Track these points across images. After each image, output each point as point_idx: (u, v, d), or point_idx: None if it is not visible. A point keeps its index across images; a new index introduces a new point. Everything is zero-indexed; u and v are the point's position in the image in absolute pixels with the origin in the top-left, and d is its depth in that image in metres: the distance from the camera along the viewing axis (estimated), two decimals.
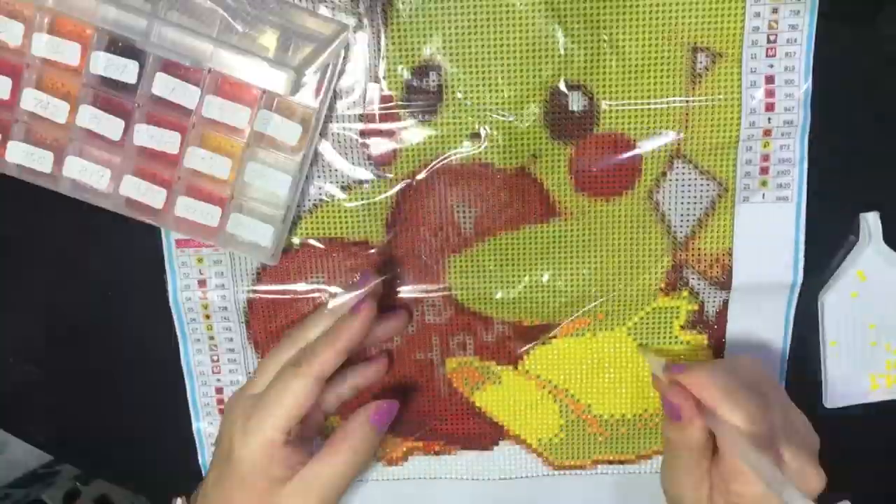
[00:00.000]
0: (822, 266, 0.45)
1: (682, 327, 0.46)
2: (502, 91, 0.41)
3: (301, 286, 0.45)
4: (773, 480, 0.33)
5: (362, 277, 0.43)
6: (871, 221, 0.43)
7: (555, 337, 0.46)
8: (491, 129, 0.42)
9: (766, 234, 0.44)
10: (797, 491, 0.32)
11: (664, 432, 0.41)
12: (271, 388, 0.40)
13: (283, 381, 0.40)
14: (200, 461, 0.50)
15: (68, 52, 0.38)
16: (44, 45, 0.38)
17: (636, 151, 0.42)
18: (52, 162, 0.40)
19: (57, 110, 0.39)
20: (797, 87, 0.41)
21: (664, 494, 0.43)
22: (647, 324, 0.46)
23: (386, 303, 0.45)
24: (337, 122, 0.42)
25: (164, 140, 0.40)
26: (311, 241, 0.45)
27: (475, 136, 0.43)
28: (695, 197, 0.43)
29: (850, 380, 0.46)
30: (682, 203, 0.44)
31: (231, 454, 0.40)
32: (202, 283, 0.46)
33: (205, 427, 0.49)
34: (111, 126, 0.40)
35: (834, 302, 0.45)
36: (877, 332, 0.45)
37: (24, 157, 0.40)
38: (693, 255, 0.44)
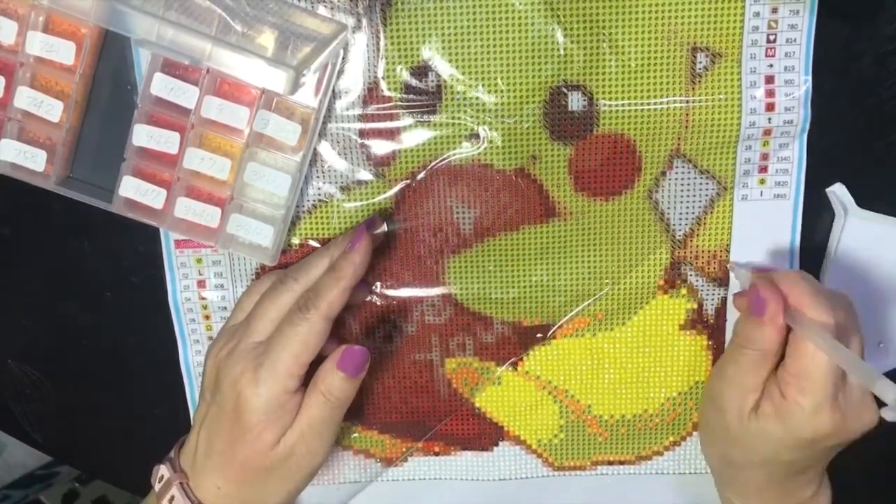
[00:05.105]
0: (821, 265, 0.45)
1: (682, 327, 0.46)
2: (502, 92, 0.41)
3: None
4: (864, 373, 0.34)
5: (367, 220, 0.43)
6: (839, 193, 0.43)
7: (554, 337, 0.46)
8: (490, 129, 0.42)
9: (764, 232, 0.44)
10: (889, 381, 0.32)
11: (737, 329, 0.41)
12: (280, 335, 0.39)
13: (291, 325, 0.39)
14: None
15: (63, 51, 0.38)
16: (38, 44, 0.38)
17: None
18: (45, 160, 0.40)
19: (51, 109, 0.39)
20: (797, 86, 0.41)
21: (705, 397, 0.44)
22: (647, 323, 0.46)
23: (386, 304, 0.45)
24: (336, 122, 0.42)
25: (163, 140, 0.40)
26: (311, 242, 0.45)
27: (474, 136, 0.42)
28: (694, 195, 0.43)
29: (872, 352, 0.46)
30: (681, 202, 0.44)
31: (239, 406, 0.39)
32: (201, 283, 0.46)
33: None
34: None
35: (839, 282, 0.45)
36: (884, 294, 0.45)
37: (17, 155, 0.40)
38: (691, 252, 0.44)
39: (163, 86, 0.38)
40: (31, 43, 0.38)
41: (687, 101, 0.41)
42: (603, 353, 0.47)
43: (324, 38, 0.38)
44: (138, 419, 0.50)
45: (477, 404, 0.48)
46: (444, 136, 0.42)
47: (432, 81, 0.42)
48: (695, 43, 0.41)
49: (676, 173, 0.43)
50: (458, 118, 0.42)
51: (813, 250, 0.44)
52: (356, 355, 0.39)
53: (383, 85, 0.42)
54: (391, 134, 0.43)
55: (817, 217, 0.44)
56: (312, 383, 0.40)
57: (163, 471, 0.42)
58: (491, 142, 0.42)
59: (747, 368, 0.39)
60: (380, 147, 0.43)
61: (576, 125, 0.42)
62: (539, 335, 0.46)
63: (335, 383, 0.39)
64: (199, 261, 0.46)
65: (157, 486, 0.41)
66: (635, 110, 0.42)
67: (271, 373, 0.38)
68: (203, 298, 0.46)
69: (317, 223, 0.44)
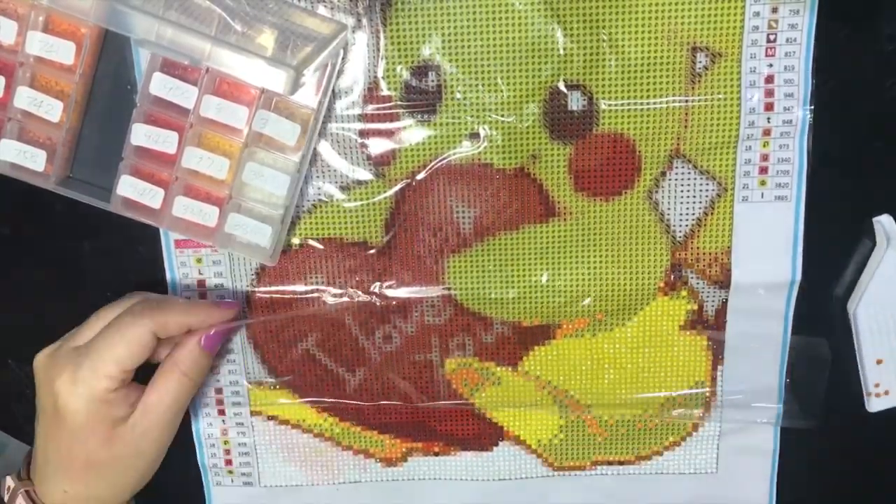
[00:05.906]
0: (823, 267, 0.45)
1: (682, 327, 0.46)
2: (501, 91, 0.41)
3: (300, 287, 0.45)
4: None
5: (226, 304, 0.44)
6: (886, 224, 0.43)
7: (554, 337, 0.46)
8: (490, 128, 0.42)
9: (765, 234, 0.44)
10: None
11: None
12: (103, 336, 0.39)
13: (117, 328, 0.39)
14: (199, 461, 0.50)
15: (62, 51, 0.38)
16: (38, 44, 0.38)
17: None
18: (45, 160, 0.40)
19: (51, 109, 0.39)
20: (797, 86, 0.41)
21: None
22: (647, 324, 0.46)
23: (386, 304, 0.45)
24: (336, 121, 0.42)
25: (161, 140, 0.40)
26: (311, 242, 0.45)
27: (474, 136, 0.42)
28: (694, 196, 0.43)
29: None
30: (681, 202, 0.44)
31: (59, 408, 0.38)
32: (201, 283, 0.46)
33: (203, 427, 0.49)
34: None
35: (869, 313, 0.45)
36: None
37: (17, 155, 0.40)
38: (692, 254, 0.44)
39: (162, 85, 0.38)
40: (31, 43, 0.38)
41: (686, 101, 0.41)
42: (603, 353, 0.47)
43: (324, 38, 0.38)
44: None
45: (477, 404, 0.48)
46: (443, 136, 0.42)
47: (432, 81, 0.42)
48: (695, 42, 0.41)
49: (676, 173, 0.43)
50: (458, 118, 0.42)
51: (815, 253, 0.44)
52: (220, 332, 0.42)
53: (383, 85, 0.42)
54: (391, 134, 0.43)
55: (819, 220, 0.44)
56: (169, 366, 0.40)
57: (9, 482, 0.42)
58: (491, 141, 0.42)
59: None
60: (380, 147, 0.43)
61: (575, 125, 0.42)
62: (538, 336, 0.46)
63: (197, 361, 0.41)
64: (199, 261, 0.46)
65: (6, 498, 0.41)
66: (635, 110, 0.42)
67: (91, 375, 0.38)
68: (203, 298, 0.46)
69: (317, 223, 0.44)
